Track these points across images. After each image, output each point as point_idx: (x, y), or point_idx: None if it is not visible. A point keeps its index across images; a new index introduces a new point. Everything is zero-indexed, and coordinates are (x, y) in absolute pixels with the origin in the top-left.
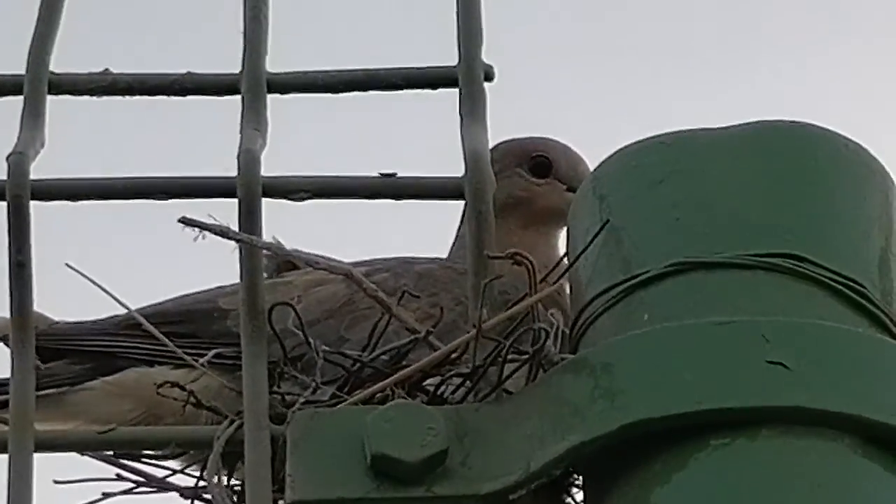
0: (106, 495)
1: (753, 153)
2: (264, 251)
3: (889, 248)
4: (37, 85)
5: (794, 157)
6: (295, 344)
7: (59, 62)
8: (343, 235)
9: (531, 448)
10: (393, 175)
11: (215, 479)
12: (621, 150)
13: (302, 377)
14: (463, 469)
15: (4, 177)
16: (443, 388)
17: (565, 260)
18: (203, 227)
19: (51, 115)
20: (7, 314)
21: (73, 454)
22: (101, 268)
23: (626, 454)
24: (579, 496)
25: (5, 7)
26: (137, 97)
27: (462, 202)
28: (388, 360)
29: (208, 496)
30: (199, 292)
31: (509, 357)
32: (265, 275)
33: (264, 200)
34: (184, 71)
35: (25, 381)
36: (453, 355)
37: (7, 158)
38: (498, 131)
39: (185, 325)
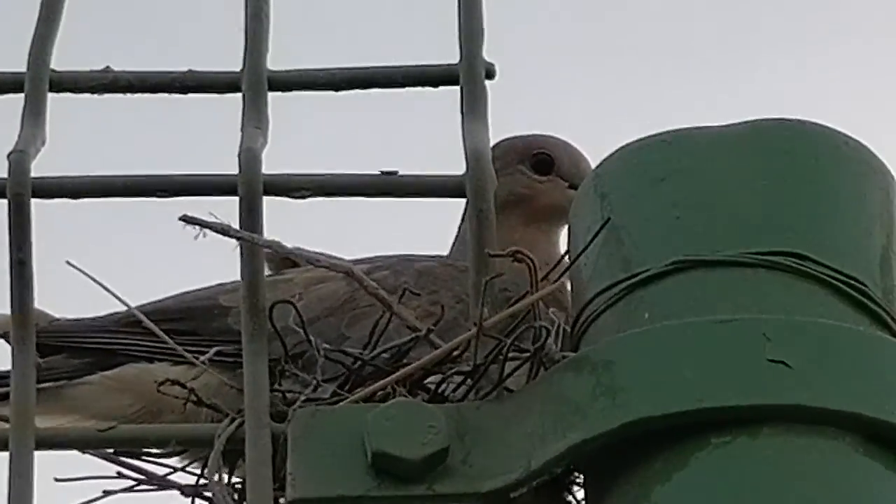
0: (107, 493)
1: (754, 151)
2: (265, 249)
3: (890, 245)
4: (38, 83)
5: (795, 155)
6: (296, 342)
7: (60, 60)
8: (344, 233)
9: (532, 446)
10: (394, 173)
11: (216, 477)
12: (623, 147)
13: (303, 375)
14: (464, 467)
15: (5, 175)
16: (444, 386)
17: (566, 258)
18: (204, 224)
19: (52, 113)
20: (8, 311)
21: (74, 452)
22: (101, 265)
23: (627, 452)
24: (580, 494)
25: (6, 5)
26: (138, 95)
27: (463, 200)
28: (389, 358)
29: (209, 494)
30: (199, 290)
31: (510, 355)
32: (267, 272)
33: (265, 198)
34: (185, 69)
35: (26, 378)
36: (454, 353)
37: (8, 156)
38: (499, 129)
39: (185, 323)
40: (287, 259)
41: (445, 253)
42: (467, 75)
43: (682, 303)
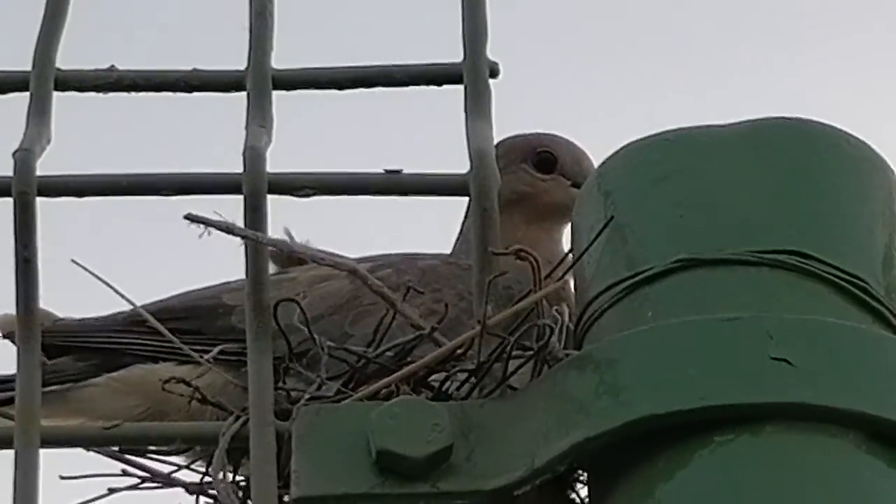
0: (111, 491)
1: (757, 150)
2: (269, 247)
3: (892, 244)
4: (43, 81)
5: (798, 153)
6: (300, 340)
7: (65, 59)
8: (348, 232)
9: (536, 444)
10: (398, 172)
11: (221, 475)
12: (626, 146)
13: (307, 373)
14: (468, 465)
15: (11, 173)
16: (448, 384)
17: (569, 256)
18: (208, 223)
19: (57, 112)
20: (13, 311)
21: (79, 450)
22: (106, 264)
23: (630, 450)
24: (584, 492)
25: (11, 4)
26: (143, 94)
27: (466, 199)
28: (393, 356)
29: (214, 492)
30: (203, 288)
31: (514, 353)
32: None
33: (270, 197)
34: (189, 68)
35: (31, 377)
36: (458, 351)
37: (13, 155)
38: (503, 128)
39: (189, 322)
40: (292, 257)
41: (449, 251)
42: (471, 74)
43: (686, 301)
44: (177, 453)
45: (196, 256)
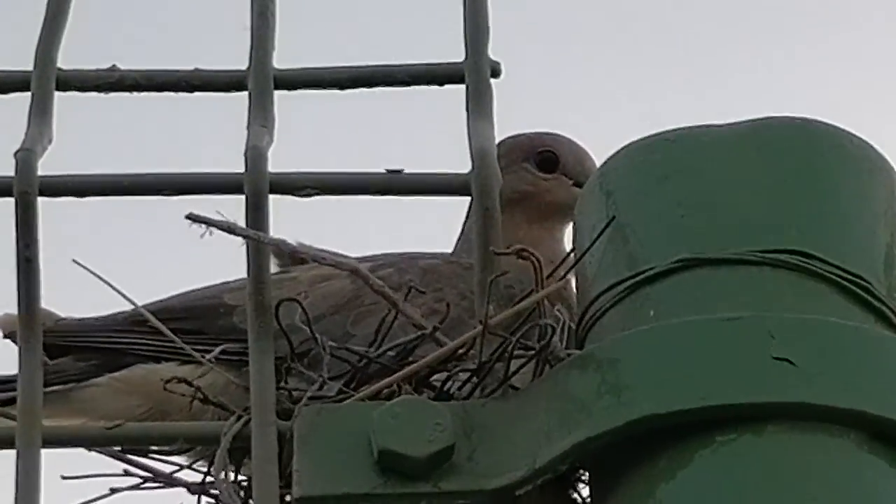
0: (113, 491)
1: (759, 150)
2: (271, 247)
3: (895, 244)
4: (44, 81)
5: (800, 153)
6: (301, 340)
7: (67, 59)
8: (349, 231)
9: (537, 444)
10: (399, 171)
11: (222, 475)
12: (627, 146)
13: (308, 373)
14: (469, 464)
15: (12, 173)
16: (449, 383)
17: (571, 255)
18: (210, 223)
19: (58, 112)
20: (14, 311)
21: (81, 450)
22: (108, 264)
23: (632, 450)
24: (585, 492)
25: (12, 3)
26: (144, 94)
27: (468, 198)
28: (395, 356)
29: (215, 492)
30: (203, 288)
31: (516, 353)
32: (278, 266)
33: (271, 197)
34: (191, 67)
35: (33, 377)
36: (460, 351)
37: (15, 155)
38: (504, 127)
39: (190, 322)
40: (294, 257)
41: (450, 251)
42: (473, 74)
43: (688, 301)
44: (178, 453)
45: (197, 256)
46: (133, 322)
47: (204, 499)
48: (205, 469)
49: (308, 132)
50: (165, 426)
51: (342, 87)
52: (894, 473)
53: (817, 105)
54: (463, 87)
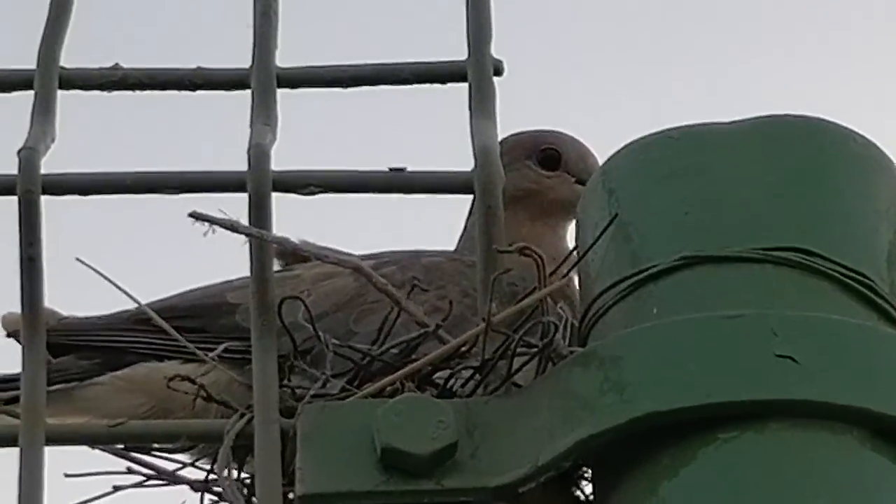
0: (116, 488)
1: (762, 147)
2: (274, 245)
3: None
4: (47, 80)
5: (803, 151)
6: (304, 337)
7: (70, 57)
8: (352, 229)
9: (540, 441)
10: (402, 169)
11: (225, 473)
12: (630, 143)
13: (312, 371)
14: (472, 462)
15: (15, 172)
16: (452, 381)
17: (574, 253)
18: (213, 221)
19: (61, 110)
20: (17, 309)
21: (84, 448)
22: (111, 262)
23: (634, 447)
24: (588, 489)
25: (16, 2)
26: (147, 92)
27: (471, 196)
28: (398, 354)
29: (219, 489)
30: (206, 287)
31: (519, 350)
32: (281, 265)
33: (274, 195)
34: (194, 66)
35: (36, 375)
36: (463, 349)
37: (18, 153)
38: (507, 125)
39: (192, 320)
40: (297, 254)
41: (453, 248)
42: (475, 72)
43: (690, 298)
44: (182, 451)
45: (200, 255)
46: (136, 321)
47: (207, 496)
48: (208, 467)
49: (311, 130)
50: (168, 424)
51: (345, 86)
52: None
53: (820, 103)
54: (465, 85)
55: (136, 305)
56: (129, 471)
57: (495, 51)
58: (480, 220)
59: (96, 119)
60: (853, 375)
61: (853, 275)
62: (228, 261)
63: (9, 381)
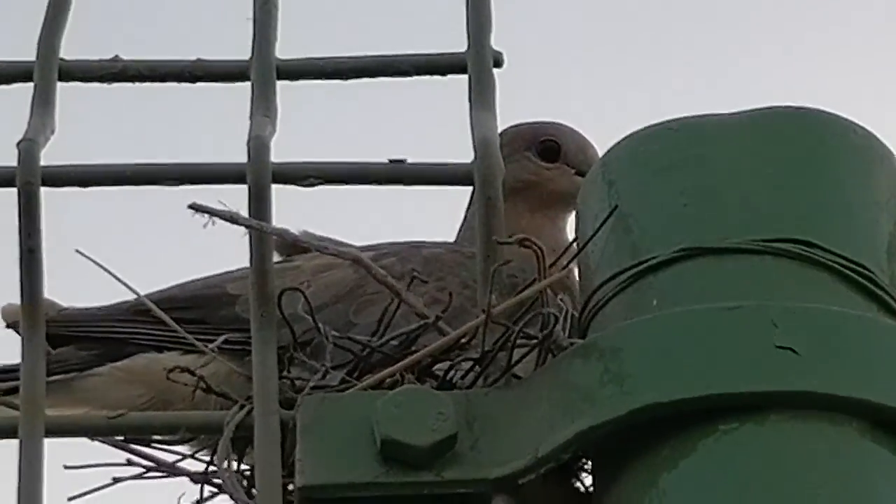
0: (116, 480)
1: (762, 139)
2: (273, 237)
3: None
4: (47, 72)
5: (803, 142)
6: (304, 329)
7: (69, 49)
8: (352, 221)
9: (540, 433)
10: (402, 161)
11: (225, 464)
12: (630, 135)
13: (311, 362)
14: (472, 454)
15: (15, 163)
16: (452, 373)
17: (574, 245)
18: (213, 213)
19: (61, 102)
20: (17, 301)
21: (84, 440)
22: (110, 254)
23: (634, 439)
24: (588, 481)
25: None
26: (147, 84)
27: (470, 188)
28: (398, 345)
29: (218, 481)
30: (206, 278)
31: (518, 342)
32: (281, 256)
33: (274, 186)
34: (194, 58)
35: (36, 367)
36: (462, 340)
37: (17, 145)
38: (507, 117)
39: (192, 311)
40: (297, 246)
41: (453, 240)
42: (475, 64)
43: (690, 290)
44: (181, 442)
45: (200, 246)
46: (135, 311)
47: (207, 488)
48: (207, 458)
49: (310, 122)
50: (168, 416)
51: (344, 78)
52: None
53: (820, 95)
54: (465, 77)
55: (135, 297)
56: (129, 462)
57: (495, 43)
58: (480, 212)
59: (96, 111)
60: (853, 367)
61: (853, 266)
62: (228, 252)
63: (8, 372)
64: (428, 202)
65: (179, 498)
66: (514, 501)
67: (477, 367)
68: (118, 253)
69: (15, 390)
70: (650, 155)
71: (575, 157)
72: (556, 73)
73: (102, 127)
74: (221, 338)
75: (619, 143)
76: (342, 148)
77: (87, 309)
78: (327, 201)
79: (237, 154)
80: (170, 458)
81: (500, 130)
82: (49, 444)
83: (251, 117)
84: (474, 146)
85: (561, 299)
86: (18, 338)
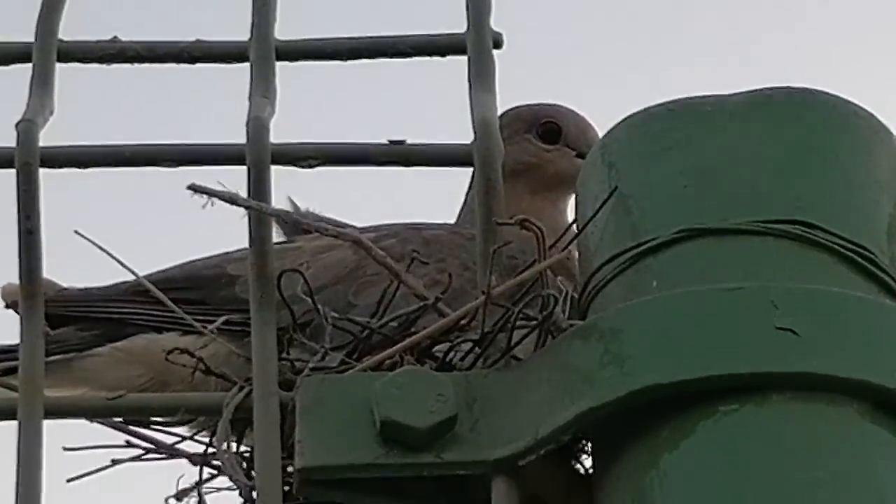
0: (115, 462)
1: (762, 120)
2: (273, 218)
3: None
4: (46, 53)
5: (803, 123)
6: (304, 310)
7: (68, 30)
8: (352, 202)
9: (540, 414)
10: (402, 142)
11: (224, 446)
12: (630, 117)
13: (311, 344)
14: (472, 435)
15: (14, 144)
16: (452, 354)
17: (574, 226)
18: (212, 193)
19: (59, 83)
20: (16, 281)
21: (83, 421)
22: (109, 235)
23: (634, 420)
24: (588, 462)
25: None
26: (146, 65)
27: (471, 169)
28: (397, 327)
29: (217, 462)
30: (205, 258)
31: (518, 323)
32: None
33: (273, 167)
34: (192, 39)
35: (34, 347)
36: (462, 322)
37: (16, 126)
38: (507, 99)
39: (192, 292)
40: (297, 226)
41: (453, 221)
42: (475, 45)
43: (690, 271)
44: (180, 424)
45: (200, 227)
46: (135, 292)
47: (206, 470)
48: (207, 440)
49: (310, 103)
50: (167, 397)
51: (344, 59)
52: None
53: (821, 76)
54: (465, 58)
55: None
56: (128, 444)
57: (495, 23)
58: (480, 193)
59: (95, 92)
60: (853, 348)
61: (853, 247)
62: (227, 233)
63: (7, 352)
64: (428, 183)
65: (178, 480)
66: (513, 483)
67: (476, 348)
68: (117, 234)
69: (13, 370)
70: (650, 136)
71: (575, 140)
72: (555, 54)
73: (101, 108)
74: (221, 319)
75: (618, 124)
76: (341, 129)
77: (86, 289)
78: (327, 182)
79: (236, 135)
80: (169, 439)
81: (500, 112)
82: (48, 425)
83: (250, 98)
84: (474, 127)
85: (561, 281)
86: (17, 318)
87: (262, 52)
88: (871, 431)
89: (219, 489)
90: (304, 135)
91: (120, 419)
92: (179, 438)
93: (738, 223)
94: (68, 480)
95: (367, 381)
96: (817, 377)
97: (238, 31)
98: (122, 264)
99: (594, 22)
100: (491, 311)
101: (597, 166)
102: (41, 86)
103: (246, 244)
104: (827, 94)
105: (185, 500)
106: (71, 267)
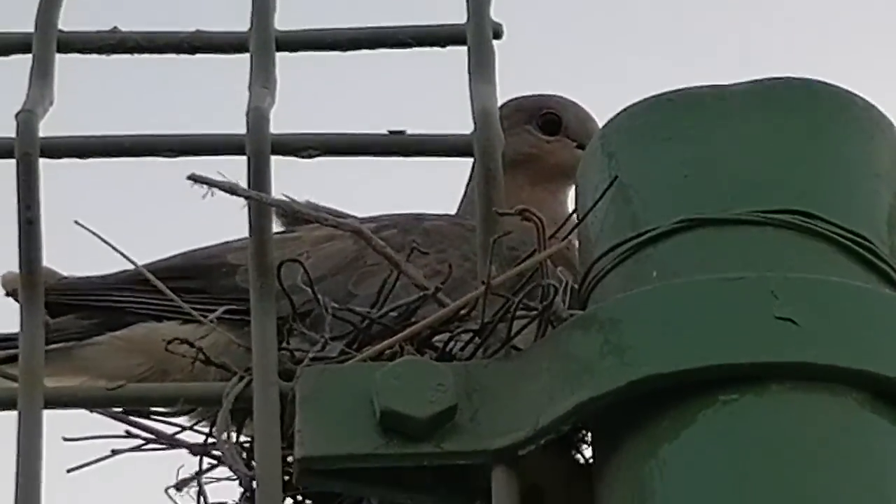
0: (115, 452)
1: (762, 110)
2: (273, 208)
3: None
4: (45, 43)
5: (803, 113)
6: (304, 300)
7: (68, 20)
8: (352, 193)
9: (540, 404)
10: (402, 133)
11: (224, 436)
12: (630, 107)
13: (311, 333)
14: (472, 425)
15: (14, 134)
16: (452, 344)
17: (574, 216)
18: (212, 184)
19: (59, 74)
20: (16, 270)
21: (83, 411)
22: (109, 225)
23: (634, 410)
24: (588, 452)
25: None
26: (146, 55)
27: (471, 159)
28: (397, 317)
29: (217, 453)
30: (206, 248)
31: (518, 313)
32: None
33: (273, 158)
34: (193, 29)
35: (34, 337)
36: (462, 312)
37: (16, 116)
38: (507, 89)
39: (193, 281)
40: (297, 216)
41: (453, 212)
42: (475, 35)
43: (690, 261)
44: (180, 414)
45: (200, 217)
46: (135, 281)
47: (206, 460)
48: (207, 430)
49: (310, 93)
50: (167, 387)
51: (344, 49)
52: None
53: (822, 66)
54: (465, 48)
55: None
56: (128, 434)
57: (495, 14)
58: (480, 184)
59: (95, 82)
60: (853, 338)
61: (853, 237)
62: (227, 224)
63: (7, 341)
64: (428, 174)
65: (178, 470)
66: (513, 473)
67: (476, 338)
68: (117, 224)
69: (13, 359)
70: (650, 126)
71: (576, 130)
72: (555, 45)
73: (101, 98)
74: (221, 308)
75: (618, 114)
76: (341, 119)
77: (86, 278)
78: (327, 173)
79: (236, 125)
80: (169, 429)
81: (500, 103)
82: (47, 415)
83: (250, 88)
84: (474, 118)
85: (561, 271)
86: (17, 307)
87: (261, 43)
88: (871, 421)
89: (219, 479)
90: (304, 125)
91: (120, 409)
92: (179, 428)
93: (738, 213)
94: (68, 470)
95: (367, 370)
96: (817, 367)
97: (238, 21)
98: (121, 254)
99: (594, 13)
100: (491, 301)
101: (597, 156)
102: (41, 76)
103: (246, 234)
104: (827, 84)
105: (185, 490)
106: (71, 256)
